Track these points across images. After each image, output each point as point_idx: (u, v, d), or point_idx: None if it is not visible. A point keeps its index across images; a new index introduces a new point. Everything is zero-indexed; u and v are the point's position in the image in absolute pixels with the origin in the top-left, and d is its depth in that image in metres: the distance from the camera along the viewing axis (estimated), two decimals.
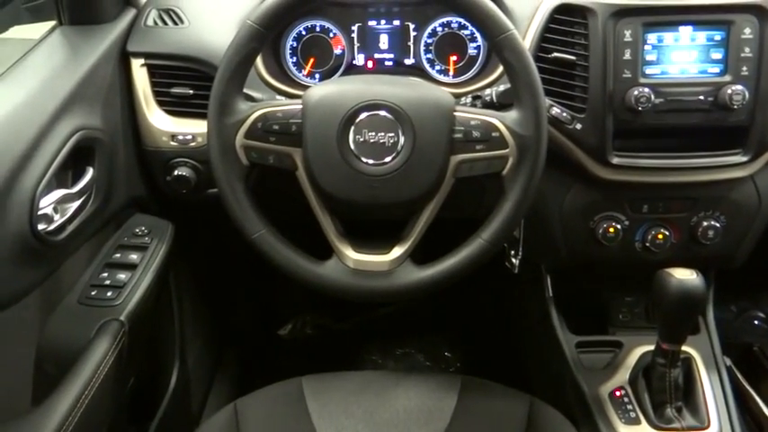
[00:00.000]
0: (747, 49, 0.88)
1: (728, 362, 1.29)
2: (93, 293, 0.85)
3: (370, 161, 0.77)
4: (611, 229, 0.97)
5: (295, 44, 1.07)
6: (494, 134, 0.77)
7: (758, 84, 0.88)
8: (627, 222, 0.98)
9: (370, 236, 0.83)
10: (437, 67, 1.06)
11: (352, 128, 0.77)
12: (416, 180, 0.78)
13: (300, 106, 0.79)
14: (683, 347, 1.02)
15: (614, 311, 1.10)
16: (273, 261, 0.81)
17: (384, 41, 1.06)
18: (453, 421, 0.86)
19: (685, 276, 0.86)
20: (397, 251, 0.80)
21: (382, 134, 0.77)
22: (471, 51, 1.05)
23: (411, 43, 1.06)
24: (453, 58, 1.06)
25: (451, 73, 1.06)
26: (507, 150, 0.77)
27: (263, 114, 0.79)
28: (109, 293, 0.85)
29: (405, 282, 0.80)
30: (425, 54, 1.06)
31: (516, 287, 1.27)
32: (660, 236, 0.97)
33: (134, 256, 0.91)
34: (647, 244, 0.98)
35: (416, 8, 1.04)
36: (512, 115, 0.78)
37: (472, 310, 1.58)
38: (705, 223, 0.97)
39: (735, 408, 0.95)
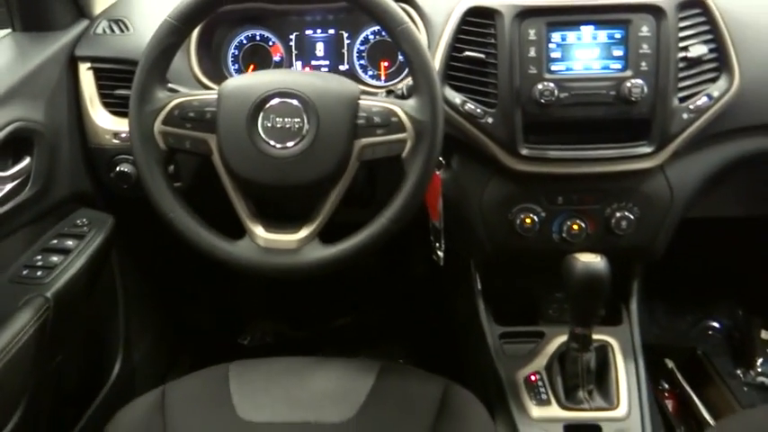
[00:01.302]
0: (645, 46, 0.93)
1: (671, 365, 1.31)
2: (24, 273, 0.90)
3: (278, 145, 0.83)
4: (528, 221, 1.01)
5: (237, 52, 1.14)
6: (393, 119, 0.82)
7: (657, 78, 0.93)
8: (543, 214, 1.01)
9: (280, 217, 0.87)
10: (369, 73, 1.13)
11: (261, 114, 0.83)
12: (321, 162, 0.83)
13: (216, 96, 0.85)
14: (603, 336, 1.05)
15: (544, 307, 1.13)
16: (189, 240, 0.85)
17: (320, 49, 1.13)
18: (368, 401, 0.88)
19: (590, 260, 0.89)
20: (305, 231, 0.85)
21: (289, 120, 0.83)
22: (401, 57, 1.11)
23: (345, 50, 1.13)
24: (384, 63, 1.12)
25: (383, 77, 1.12)
26: (405, 134, 0.82)
27: (180, 103, 0.85)
28: (39, 273, 0.90)
29: (311, 258, 0.84)
30: (358, 60, 1.13)
31: (453, 284, 1.30)
32: (576, 227, 1.01)
33: (70, 243, 0.97)
34: (564, 235, 1.01)
35: (349, 17, 1.11)
36: (410, 102, 0.83)
37: (428, 319, 1.60)
38: (618, 214, 1.00)
39: (646, 393, 0.97)
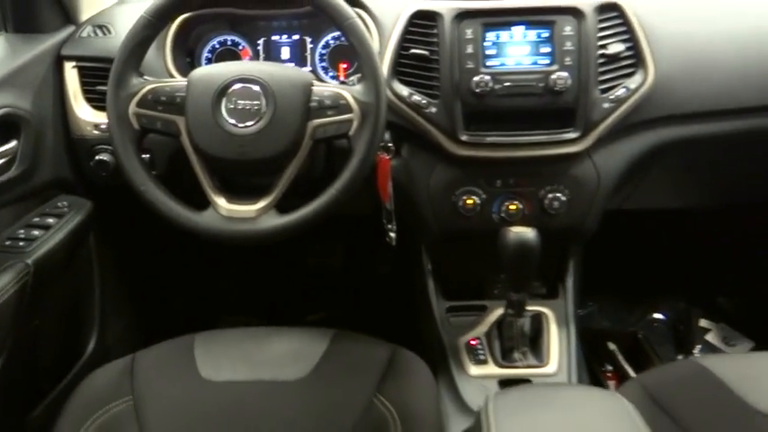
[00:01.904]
0: (569, 44, 1.05)
1: (613, 347, 1.40)
2: (7, 243, 0.99)
3: (239, 124, 0.93)
4: (470, 202, 1.11)
5: (210, 55, 1.25)
6: (342, 102, 0.93)
7: (580, 71, 1.05)
8: (484, 196, 1.12)
9: (241, 191, 0.97)
10: (330, 74, 1.24)
11: (225, 97, 0.94)
12: (277, 140, 0.93)
13: (185, 83, 0.96)
14: (539, 308, 1.15)
15: (489, 286, 1.23)
16: (158, 210, 0.95)
17: (286, 52, 1.25)
18: (321, 362, 0.96)
19: (521, 230, 0.99)
20: (263, 202, 0.94)
21: (249, 102, 0.93)
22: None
23: (308, 54, 1.24)
24: (343, 65, 1.24)
25: (341, 77, 1.24)
26: (352, 114, 0.93)
27: (153, 88, 0.96)
28: (21, 243, 0.99)
29: (268, 226, 0.94)
30: (320, 63, 1.24)
31: (407, 263, 1.40)
32: (513, 207, 1.11)
33: (50, 220, 1.06)
34: (503, 215, 1.12)
35: (312, 24, 1.23)
36: (357, 87, 0.94)
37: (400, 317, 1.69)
38: (551, 196, 1.11)
39: (575, 355, 1.06)
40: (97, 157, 1.15)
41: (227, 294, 1.69)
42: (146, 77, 0.98)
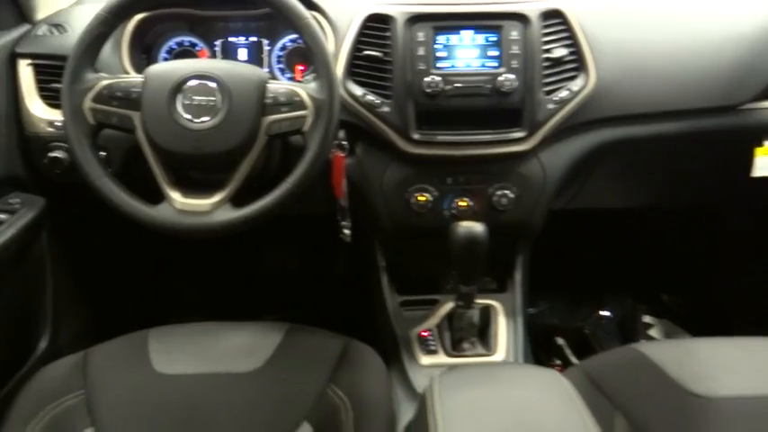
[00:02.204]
0: (515, 48, 1.10)
1: (561, 341, 1.46)
2: None
3: (195, 119, 0.95)
4: (422, 199, 1.15)
5: (167, 56, 1.26)
6: (296, 98, 0.96)
7: (525, 74, 1.10)
8: (436, 193, 1.16)
9: (197, 185, 0.99)
10: (287, 75, 1.27)
11: (180, 93, 0.95)
12: (232, 135, 0.95)
13: (141, 79, 0.97)
14: (488, 301, 1.19)
15: (441, 281, 1.26)
16: (114, 204, 0.96)
17: (243, 54, 1.27)
18: (275, 354, 0.98)
19: (470, 225, 1.03)
20: (218, 196, 0.96)
21: (204, 98, 0.95)
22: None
23: (265, 56, 1.27)
24: (300, 67, 1.27)
25: (298, 80, 1.26)
26: (306, 111, 0.96)
27: (109, 84, 0.97)
28: None
29: (222, 219, 0.95)
30: (277, 64, 1.27)
31: (362, 260, 1.42)
32: (463, 203, 1.16)
33: (1, 216, 1.05)
34: (454, 211, 1.16)
35: (269, 26, 1.26)
36: (311, 84, 0.97)
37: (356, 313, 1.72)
38: (500, 193, 1.15)
39: (522, 344, 1.10)
40: (51, 154, 1.15)
41: (183, 295, 1.69)
42: (101, 74, 0.99)
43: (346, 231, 1.17)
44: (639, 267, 1.72)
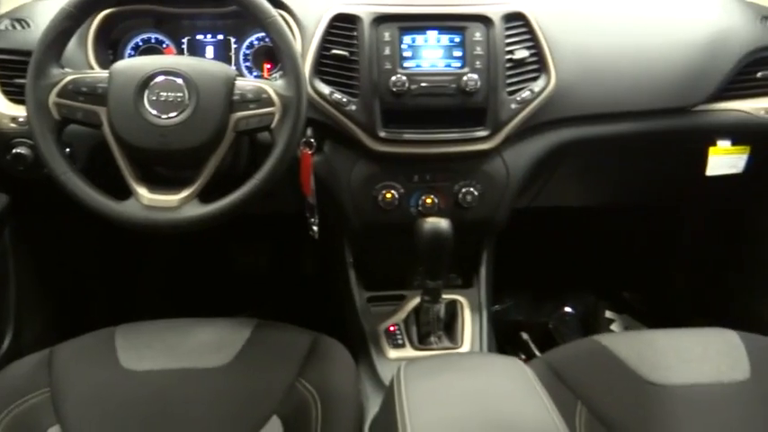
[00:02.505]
0: (479, 49, 1.13)
1: (526, 337, 1.49)
2: None
3: (162, 115, 0.95)
4: (389, 196, 1.17)
5: (133, 53, 1.26)
6: (264, 95, 0.97)
7: (489, 74, 1.13)
8: (402, 190, 1.18)
9: (164, 181, 0.99)
10: (254, 74, 1.28)
11: (147, 89, 0.95)
12: (200, 131, 0.95)
13: (107, 74, 0.97)
14: (455, 296, 1.22)
15: (408, 277, 1.28)
16: (79, 199, 0.95)
17: (210, 52, 1.27)
18: (243, 349, 0.98)
19: (436, 221, 1.06)
20: (186, 192, 0.96)
21: (172, 94, 0.95)
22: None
23: (232, 54, 1.27)
24: (267, 66, 1.27)
25: (265, 78, 1.27)
26: (274, 108, 0.97)
27: (74, 79, 0.96)
28: None
29: (190, 215, 0.96)
30: (244, 62, 1.27)
31: (330, 256, 1.44)
32: (429, 201, 1.18)
33: None
34: (420, 208, 1.18)
35: (236, 24, 1.26)
36: (278, 82, 0.98)
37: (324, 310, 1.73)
38: (465, 190, 1.18)
39: (487, 337, 1.13)
40: (14, 151, 1.13)
41: (150, 294, 1.68)
42: (66, 69, 0.99)
43: (315, 228, 1.18)
44: (601, 265, 1.77)
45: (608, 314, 1.60)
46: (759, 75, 1.25)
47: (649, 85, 1.21)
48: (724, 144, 1.26)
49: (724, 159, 1.28)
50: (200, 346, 0.99)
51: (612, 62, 1.21)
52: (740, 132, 1.26)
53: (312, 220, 1.18)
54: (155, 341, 1.00)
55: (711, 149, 1.26)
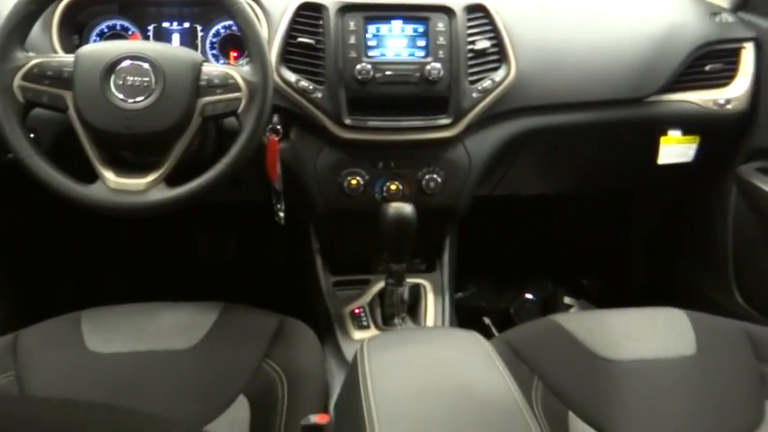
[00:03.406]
0: (442, 39, 1.16)
1: (488, 321, 1.53)
2: None
3: (128, 99, 0.96)
4: (355, 182, 1.20)
5: (98, 39, 1.26)
6: (230, 81, 0.98)
7: (451, 64, 1.16)
8: (367, 177, 1.21)
9: (131, 166, 1.00)
10: (221, 61, 1.29)
11: (114, 74, 0.96)
12: (166, 116, 0.96)
13: (73, 58, 0.97)
14: (418, 280, 1.25)
15: (374, 262, 1.32)
16: (44, 182, 0.95)
17: (176, 39, 1.28)
18: (211, 331, 1.00)
19: (399, 205, 1.09)
20: (152, 176, 0.97)
21: (138, 78, 0.96)
22: None
23: (199, 42, 1.28)
24: (234, 54, 1.29)
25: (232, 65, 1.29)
26: (240, 93, 0.98)
27: (40, 63, 0.96)
28: None
29: (156, 198, 0.97)
30: (211, 50, 1.28)
31: (297, 242, 1.46)
32: (394, 187, 1.21)
33: None
34: (384, 194, 1.21)
35: (203, 12, 1.27)
36: (245, 68, 1.00)
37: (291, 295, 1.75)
38: (428, 177, 1.21)
39: (450, 319, 1.17)
40: None
41: (117, 280, 1.67)
42: (30, 53, 0.99)
43: (281, 214, 1.20)
44: (560, 252, 1.82)
45: (566, 300, 1.66)
46: (707, 68, 1.31)
47: (605, 76, 1.26)
48: (675, 134, 1.32)
49: (675, 148, 1.34)
50: (167, 328, 1.00)
51: (570, 55, 1.26)
52: (690, 123, 1.32)
53: (278, 206, 1.20)
54: (121, 324, 1.00)
55: (663, 139, 1.32)
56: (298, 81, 1.15)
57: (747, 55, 1.32)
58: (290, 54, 1.16)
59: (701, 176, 1.45)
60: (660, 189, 1.63)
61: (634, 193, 1.74)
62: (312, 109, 1.15)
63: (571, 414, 0.90)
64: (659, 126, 1.32)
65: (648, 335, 1.00)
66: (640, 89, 1.27)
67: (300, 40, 1.15)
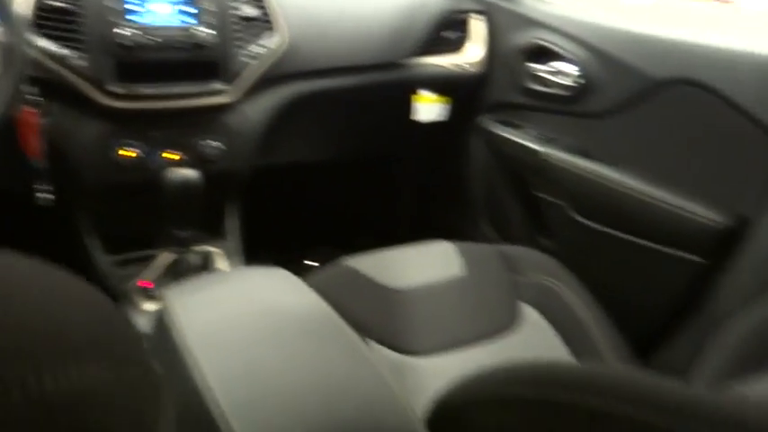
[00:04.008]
0: (209, 4, 1.16)
1: None
2: None
3: None
4: (128, 154, 1.15)
5: None
6: None
7: (222, 30, 1.17)
8: (144, 147, 1.17)
9: None
10: None
11: None
12: None
13: None
14: (210, 248, 1.25)
15: (156, 237, 1.27)
16: None
17: None
18: None
19: (183, 171, 1.08)
20: None
21: None
22: None
23: None
24: None
25: None
26: None
27: None
28: None
29: None
30: None
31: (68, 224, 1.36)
32: (174, 156, 1.18)
33: None
34: (164, 164, 1.18)
35: None
36: None
37: None
38: (208, 144, 1.21)
39: None
40: None
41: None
42: None
43: (47, 196, 1.10)
44: (337, 217, 1.93)
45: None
46: (444, 35, 1.48)
47: (365, 43, 1.38)
48: (425, 93, 1.50)
49: (429, 107, 1.51)
50: None
51: (335, 23, 1.35)
52: (439, 83, 1.50)
53: (42, 186, 1.10)
54: None
55: (415, 98, 1.49)
56: (57, 49, 1.06)
57: (477, 24, 1.53)
58: (47, 20, 1.07)
59: (454, 132, 1.65)
60: (423, 149, 1.81)
61: (402, 155, 1.91)
62: (74, 78, 1.08)
63: (368, 341, 0.99)
64: (413, 86, 1.48)
65: (426, 265, 1.13)
66: (395, 53, 1.42)
67: (53, 3, 1.07)
